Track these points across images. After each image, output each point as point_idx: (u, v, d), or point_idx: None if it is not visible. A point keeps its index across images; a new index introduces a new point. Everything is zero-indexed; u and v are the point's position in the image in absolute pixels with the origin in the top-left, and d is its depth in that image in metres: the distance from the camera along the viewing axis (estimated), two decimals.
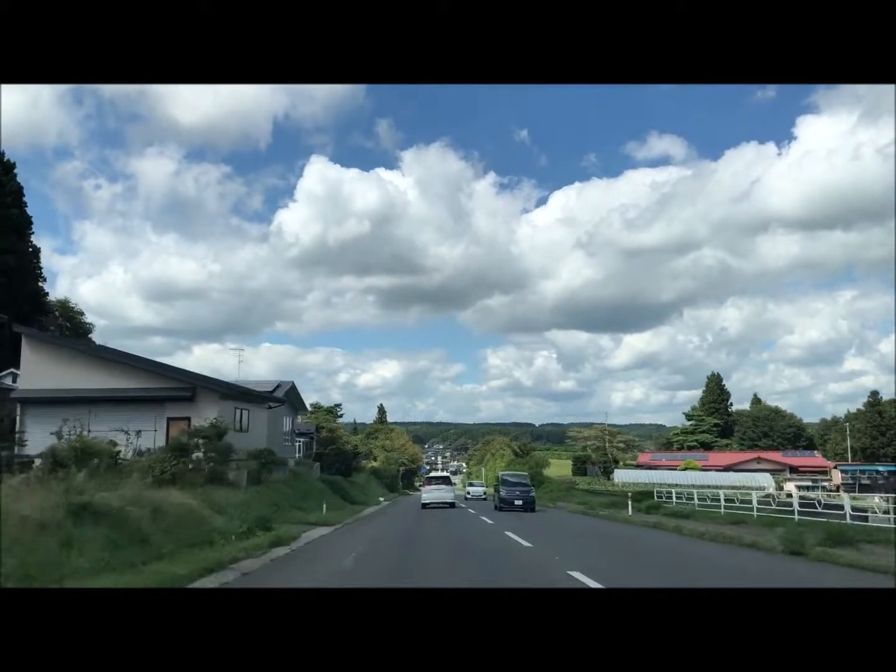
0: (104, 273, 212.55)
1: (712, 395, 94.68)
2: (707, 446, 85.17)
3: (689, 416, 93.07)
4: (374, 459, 73.28)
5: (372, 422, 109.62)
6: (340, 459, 46.64)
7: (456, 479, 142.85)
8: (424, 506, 31.56)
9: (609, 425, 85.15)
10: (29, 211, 38.99)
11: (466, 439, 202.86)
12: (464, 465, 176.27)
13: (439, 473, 48.50)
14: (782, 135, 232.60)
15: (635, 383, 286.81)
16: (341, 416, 70.04)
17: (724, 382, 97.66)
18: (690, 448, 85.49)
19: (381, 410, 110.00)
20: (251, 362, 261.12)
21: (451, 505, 32.20)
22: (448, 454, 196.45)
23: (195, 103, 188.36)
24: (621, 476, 67.83)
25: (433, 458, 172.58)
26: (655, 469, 69.85)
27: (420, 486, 57.59)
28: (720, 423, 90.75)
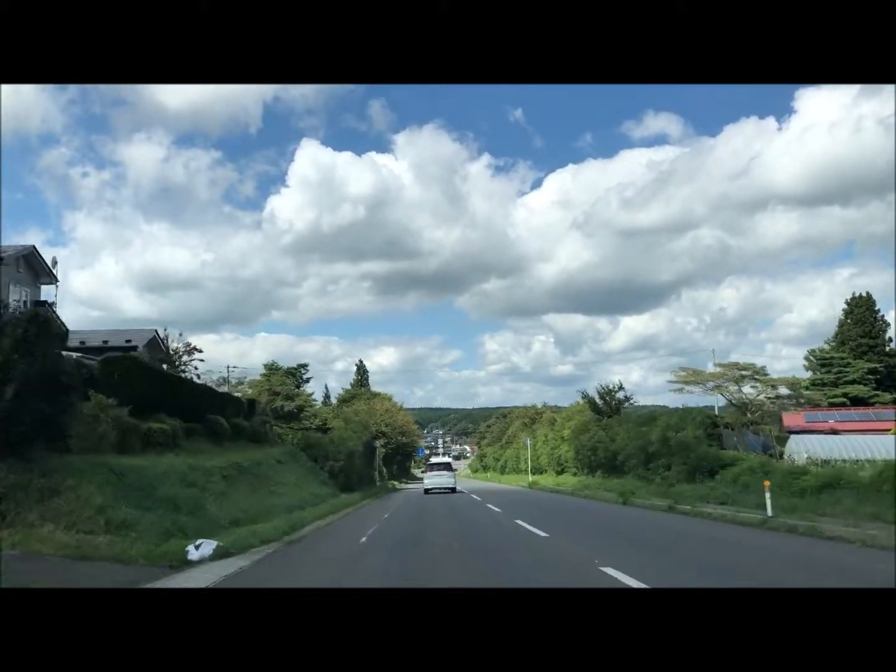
0: (96, 264, 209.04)
1: (863, 328, 59.34)
2: (860, 401, 51.76)
3: (822, 361, 58.01)
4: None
5: (350, 385, 76.36)
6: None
7: (460, 465, 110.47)
8: (427, 491, 32.93)
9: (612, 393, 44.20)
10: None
11: (467, 423, 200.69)
12: (467, 448, 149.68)
13: (441, 459, 49.32)
14: (783, 108, 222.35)
15: (633, 366, 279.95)
16: (308, 380, 45.51)
17: (878, 308, 63.02)
18: (833, 405, 51.82)
19: (361, 370, 78.19)
20: (248, 352, 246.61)
21: (453, 490, 33.22)
22: (449, 438, 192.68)
23: (181, 86, 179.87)
24: (801, 446, 33.17)
25: (433, 443, 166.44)
26: (838, 434, 36.61)
27: (422, 472, 49.73)
28: (879, 367, 56.94)
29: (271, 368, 42.67)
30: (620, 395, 43.55)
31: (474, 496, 29.81)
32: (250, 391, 38.89)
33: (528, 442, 52.76)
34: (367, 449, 44.84)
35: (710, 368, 43.77)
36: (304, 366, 45.20)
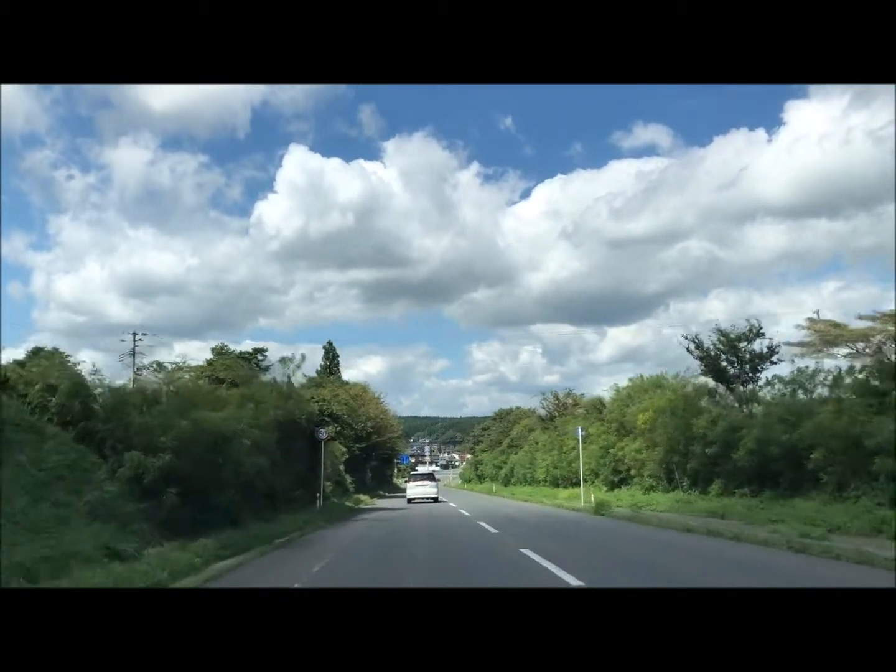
0: (80, 269, 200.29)
1: None
2: None
3: None
4: None
5: (315, 372, 58.35)
6: None
7: (449, 474, 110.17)
8: (410, 501, 33.64)
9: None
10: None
11: (454, 432, 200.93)
12: (455, 456, 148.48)
13: (424, 470, 52.42)
14: (772, 120, 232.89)
15: (620, 377, 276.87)
16: (267, 368, 34.86)
17: None
18: None
19: (330, 354, 57.81)
20: None
21: (435, 500, 33.61)
22: (436, 447, 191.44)
23: (168, 88, 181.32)
24: None
25: (419, 452, 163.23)
26: None
27: (405, 481, 47.00)
28: None
29: (220, 352, 33.33)
30: (757, 345, 21.96)
31: (535, 556, 10.50)
32: (187, 377, 33.83)
33: (580, 433, 28.75)
34: (292, 438, 23.90)
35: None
36: (262, 350, 35.46)
